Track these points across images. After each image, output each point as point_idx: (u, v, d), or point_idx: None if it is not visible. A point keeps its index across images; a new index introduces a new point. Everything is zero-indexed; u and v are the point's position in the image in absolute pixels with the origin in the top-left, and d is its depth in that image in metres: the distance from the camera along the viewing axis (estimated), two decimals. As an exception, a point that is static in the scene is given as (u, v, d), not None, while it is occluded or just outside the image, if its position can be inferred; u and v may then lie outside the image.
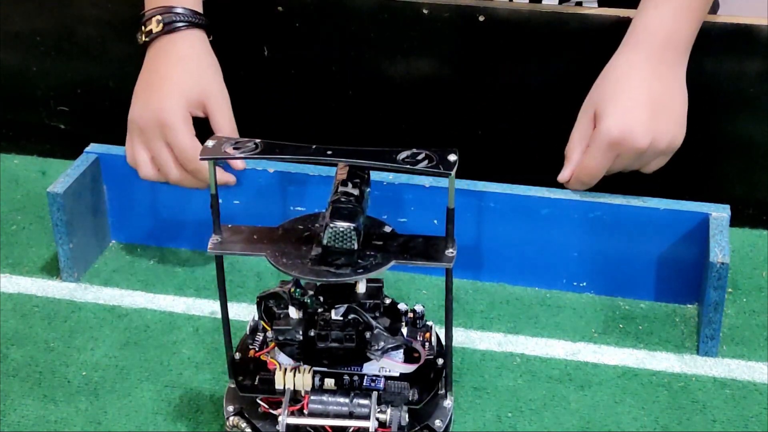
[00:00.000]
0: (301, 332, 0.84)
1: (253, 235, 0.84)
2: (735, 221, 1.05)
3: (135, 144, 1.05)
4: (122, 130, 1.28)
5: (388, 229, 0.84)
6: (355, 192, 0.81)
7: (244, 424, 0.85)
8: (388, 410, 0.82)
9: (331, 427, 0.83)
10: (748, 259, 1.12)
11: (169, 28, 1.05)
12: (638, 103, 0.98)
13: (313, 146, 0.80)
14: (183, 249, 1.15)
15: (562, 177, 1.03)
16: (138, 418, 0.93)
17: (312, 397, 0.83)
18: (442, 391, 0.87)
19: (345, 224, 0.79)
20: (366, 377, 0.84)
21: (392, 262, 0.80)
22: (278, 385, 0.84)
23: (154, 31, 1.06)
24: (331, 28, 1.18)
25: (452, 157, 0.78)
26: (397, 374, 0.85)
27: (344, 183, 0.82)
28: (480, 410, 0.93)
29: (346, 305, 0.84)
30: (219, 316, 1.05)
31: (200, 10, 1.08)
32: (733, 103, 1.12)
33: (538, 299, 1.07)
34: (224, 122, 1.05)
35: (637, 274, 1.06)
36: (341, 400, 0.83)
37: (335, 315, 0.84)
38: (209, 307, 1.07)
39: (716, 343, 0.99)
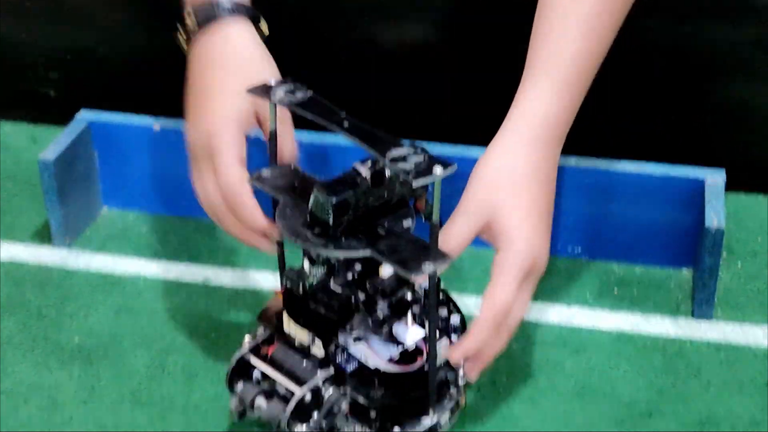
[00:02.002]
0: (301, 286, 0.83)
1: (295, 182, 0.83)
2: (730, 186, 1.05)
3: (193, 171, 0.89)
4: (113, 96, 1.27)
5: (407, 223, 0.80)
6: (365, 172, 0.79)
7: (248, 339, 0.85)
8: (330, 389, 0.81)
9: (270, 378, 0.83)
10: (744, 223, 1.11)
11: (205, 22, 0.89)
12: (542, 217, 0.83)
13: (343, 114, 0.78)
14: (175, 216, 1.15)
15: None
16: (132, 384, 0.93)
17: (278, 347, 0.84)
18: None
19: (325, 195, 0.77)
20: (345, 354, 0.83)
21: (358, 252, 0.77)
22: (285, 328, 0.84)
23: (189, 28, 0.91)
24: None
25: (438, 170, 0.73)
26: (380, 365, 0.83)
27: (365, 161, 0.80)
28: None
29: (346, 280, 0.83)
30: (212, 283, 1.05)
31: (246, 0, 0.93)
32: (728, 67, 1.12)
33: (533, 265, 1.06)
34: (285, 139, 0.88)
35: (632, 239, 1.05)
36: (299, 361, 0.82)
37: (333, 284, 0.84)
38: (202, 273, 1.06)
39: (711, 307, 0.99)
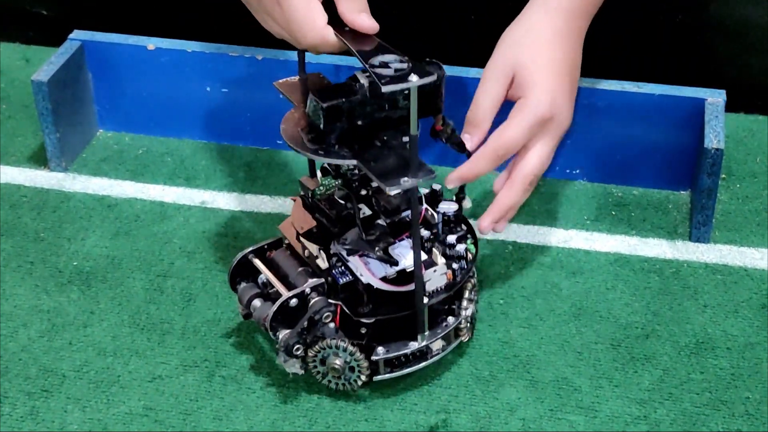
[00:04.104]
0: (310, 195, 0.84)
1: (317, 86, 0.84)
2: (730, 106, 1.04)
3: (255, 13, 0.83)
4: (106, 16, 1.25)
5: (406, 139, 0.79)
6: (364, 81, 0.78)
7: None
8: (315, 298, 0.81)
9: (268, 280, 0.85)
10: (743, 144, 1.11)
11: None
12: (563, 77, 0.87)
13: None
14: (172, 138, 1.14)
15: (470, 146, 0.86)
16: (130, 308, 0.93)
17: (279, 252, 0.86)
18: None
19: (317, 100, 0.77)
20: (342, 266, 0.84)
21: (344, 160, 0.77)
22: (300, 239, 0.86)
23: None
24: None
25: (414, 78, 0.72)
26: (372, 281, 0.83)
27: (364, 71, 0.78)
28: (472, 297, 0.94)
29: (346, 192, 0.84)
30: (209, 205, 1.04)
31: None
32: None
33: (531, 186, 1.06)
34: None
35: (630, 161, 1.05)
36: (294, 268, 0.84)
37: (337, 195, 0.85)
38: (199, 196, 1.06)
39: (709, 229, 0.99)
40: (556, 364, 0.87)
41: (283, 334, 0.81)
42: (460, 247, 0.86)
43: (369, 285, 0.82)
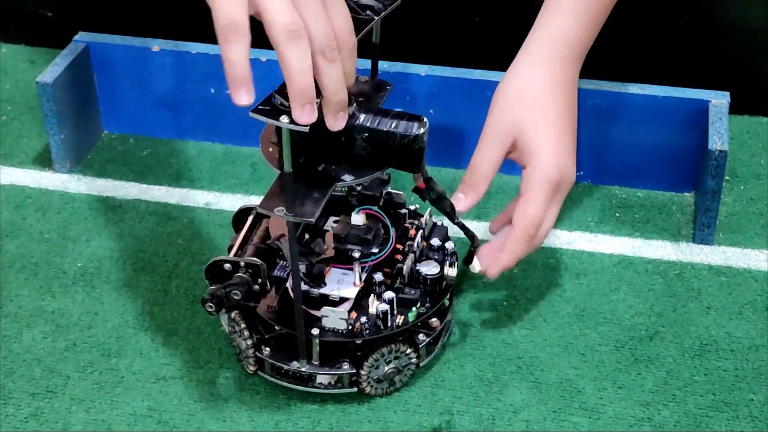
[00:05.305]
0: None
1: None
2: (734, 108, 1.04)
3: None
4: (111, 17, 1.25)
5: (347, 177, 0.77)
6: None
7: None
8: (242, 275, 0.81)
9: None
10: (747, 146, 1.11)
11: None
12: (565, 132, 0.84)
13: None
14: (176, 139, 1.14)
15: (462, 206, 0.85)
16: (135, 309, 0.93)
17: (272, 219, 0.87)
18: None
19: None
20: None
21: (266, 159, 0.78)
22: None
23: None
24: None
25: (284, 118, 0.71)
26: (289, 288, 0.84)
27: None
28: (476, 298, 0.94)
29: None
30: (214, 207, 1.05)
31: None
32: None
33: (535, 188, 1.06)
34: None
35: (634, 163, 1.05)
36: (259, 238, 0.85)
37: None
38: (203, 198, 1.06)
39: (713, 231, 0.99)
40: (560, 366, 0.87)
41: (209, 288, 0.82)
42: (382, 307, 0.82)
43: (286, 290, 0.84)
